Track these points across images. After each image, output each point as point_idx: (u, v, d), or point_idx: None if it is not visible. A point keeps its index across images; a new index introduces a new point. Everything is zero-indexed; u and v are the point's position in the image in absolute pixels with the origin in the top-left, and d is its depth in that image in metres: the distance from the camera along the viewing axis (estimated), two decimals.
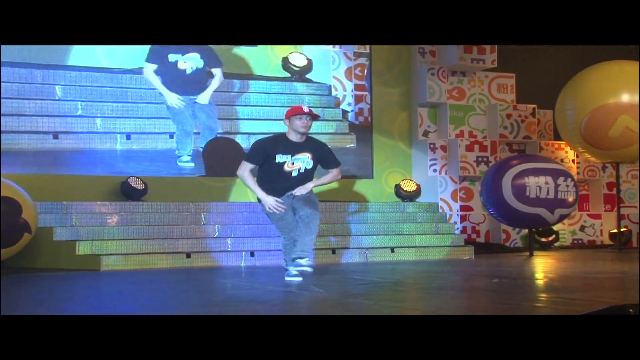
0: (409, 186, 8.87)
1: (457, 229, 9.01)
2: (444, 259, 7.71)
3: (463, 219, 9.36)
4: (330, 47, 9.26)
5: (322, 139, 6.02)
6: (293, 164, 5.23)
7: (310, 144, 5.31)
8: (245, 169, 5.26)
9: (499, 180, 8.08)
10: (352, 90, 9.39)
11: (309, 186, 5.25)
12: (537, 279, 6.10)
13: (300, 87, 9.10)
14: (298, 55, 9.04)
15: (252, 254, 7.00)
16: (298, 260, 5.13)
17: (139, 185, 7.78)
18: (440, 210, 8.99)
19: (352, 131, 9.29)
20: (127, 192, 7.78)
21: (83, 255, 6.60)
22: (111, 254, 6.61)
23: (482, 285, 5.49)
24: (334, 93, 9.28)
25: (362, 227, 7.96)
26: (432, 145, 9.47)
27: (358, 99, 9.41)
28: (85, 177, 8.04)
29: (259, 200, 5.32)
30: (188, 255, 6.83)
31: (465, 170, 9.39)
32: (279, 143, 5.29)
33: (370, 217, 8.27)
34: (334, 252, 7.29)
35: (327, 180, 5.53)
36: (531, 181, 7.98)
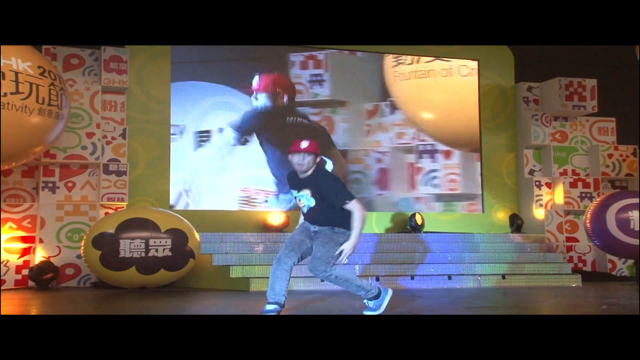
0: (516, 219, 8.68)
1: (564, 258, 8.38)
2: (552, 286, 7.14)
3: (569, 249, 8.73)
4: None
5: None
6: (300, 200, 4.05)
7: (311, 179, 3.97)
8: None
9: (603, 214, 7.47)
10: None
11: (347, 248, 3.91)
12: None
13: None
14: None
15: (377, 279, 6.83)
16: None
17: (278, 220, 7.90)
18: (547, 241, 8.45)
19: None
20: (267, 225, 7.91)
21: (236, 278, 6.70)
22: (258, 277, 6.66)
23: (592, 310, 4.99)
24: None
25: (475, 256, 7.61)
26: (537, 183, 8.95)
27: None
28: (236, 212, 8.25)
29: None
30: (322, 280, 6.74)
31: (569, 204, 8.77)
32: (291, 177, 4.10)
33: (483, 247, 7.91)
34: (449, 278, 6.96)
35: (356, 230, 3.89)
36: (635, 215, 7.33)
